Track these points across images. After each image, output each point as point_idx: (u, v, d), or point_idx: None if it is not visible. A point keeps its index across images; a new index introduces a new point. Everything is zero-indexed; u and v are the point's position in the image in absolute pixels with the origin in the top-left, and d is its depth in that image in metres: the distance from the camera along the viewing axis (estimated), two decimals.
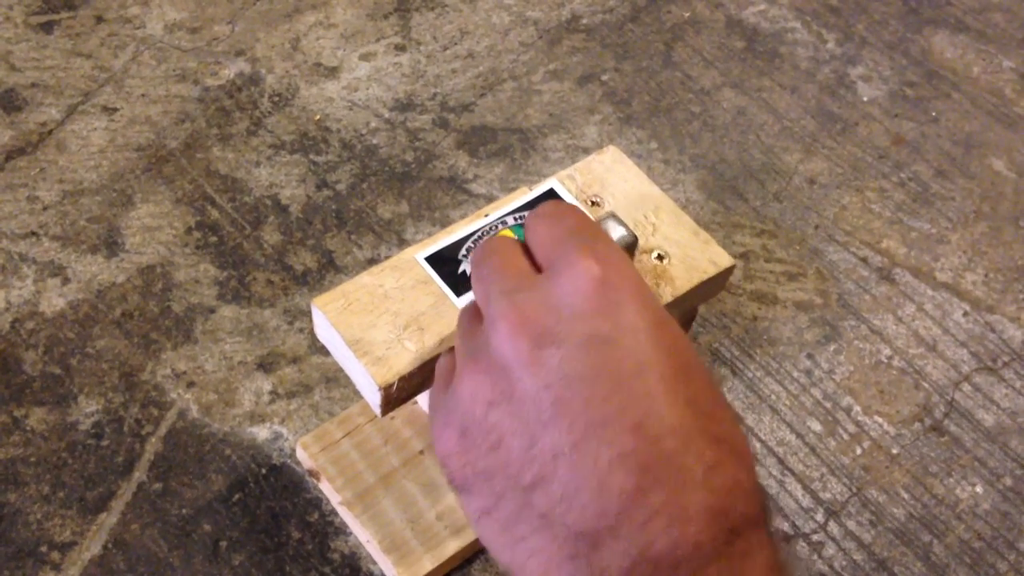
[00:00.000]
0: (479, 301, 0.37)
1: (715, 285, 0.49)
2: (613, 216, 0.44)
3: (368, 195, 0.67)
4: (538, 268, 0.37)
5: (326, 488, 0.52)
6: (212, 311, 0.60)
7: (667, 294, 0.47)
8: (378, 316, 0.45)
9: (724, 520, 0.30)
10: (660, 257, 0.48)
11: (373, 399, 0.43)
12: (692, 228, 0.50)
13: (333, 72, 0.73)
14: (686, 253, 0.48)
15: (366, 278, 0.46)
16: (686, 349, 0.34)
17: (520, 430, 0.32)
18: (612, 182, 0.51)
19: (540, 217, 0.38)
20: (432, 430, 0.36)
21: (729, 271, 0.49)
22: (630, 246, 0.44)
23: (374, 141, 0.70)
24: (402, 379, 0.43)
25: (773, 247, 0.66)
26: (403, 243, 0.64)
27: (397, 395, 0.44)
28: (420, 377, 0.44)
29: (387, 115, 0.71)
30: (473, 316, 0.38)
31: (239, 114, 0.70)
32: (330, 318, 0.44)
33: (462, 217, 0.66)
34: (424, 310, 0.45)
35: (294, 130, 0.70)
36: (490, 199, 0.67)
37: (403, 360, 0.43)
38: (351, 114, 0.71)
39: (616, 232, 0.43)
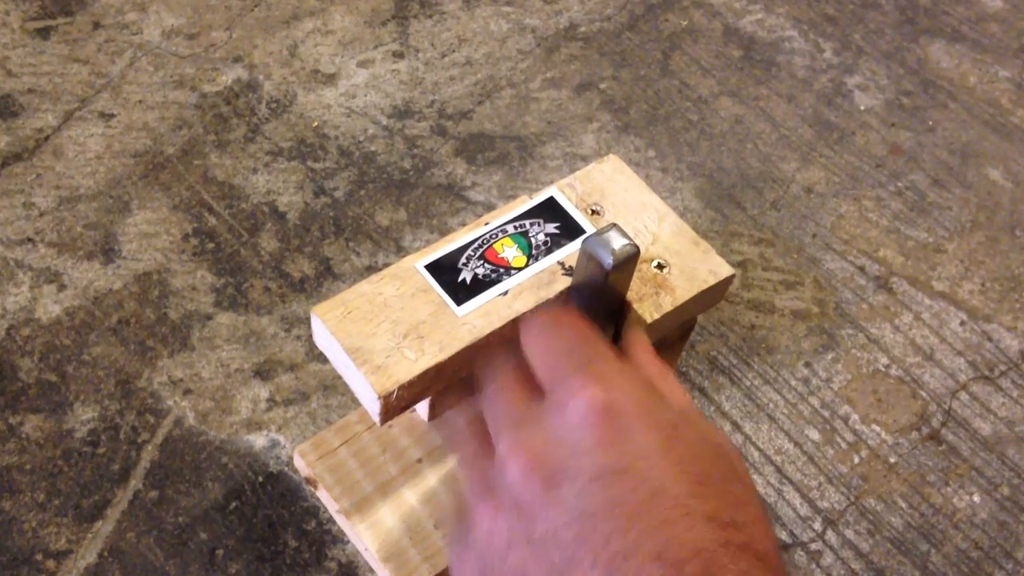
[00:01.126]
0: (488, 424, 0.37)
1: (715, 295, 0.49)
2: (615, 227, 0.44)
3: (366, 202, 0.67)
4: (539, 383, 0.37)
5: (324, 496, 0.51)
6: (209, 318, 0.60)
7: (667, 304, 0.47)
8: (378, 325, 0.44)
9: None
10: (660, 267, 0.48)
11: (372, 408, 0.43)
12: (692, 238, 0.50)
13: (331, 79, 0.73)
14: (686, 263, 0.48)
15: (366, 286, 0.46)
16: (702, 452, 0.34)
17: (545, 570, 0.32)
18: (612, 191, 0.51)
19: (536, 330, 0.39)
20: (451, 565, 0.36)
21: (729, 281, 0.49)
22: (632, 257, 0.44)
23: (372, 148, 0.70)
24: (402, 388, 0.43)
25: (771, 256, 0.66)
26: (401, 250, 0.64)
27: (396, 404, 0.43)
28: (420, 386, 0.44)
29: (385, 122, 0.71)
30: (479, 436, 0.38)
31: (236, 121, 0.70)
32: (329, 327, 0.44)
33: (460, 224, 0.66)
34: (424, 318, 0.45)
35: (292, 137, 0.70)
36: (488, 206, 0.67)
37: (403, 369, 0.43)
38: (349, 121, 0.71)
39: (618, 243, 0.43)
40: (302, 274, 0.63)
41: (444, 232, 0.66)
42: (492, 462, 0.36)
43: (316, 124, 0.71)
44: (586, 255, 0.45)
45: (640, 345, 0.43)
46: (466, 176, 0.69)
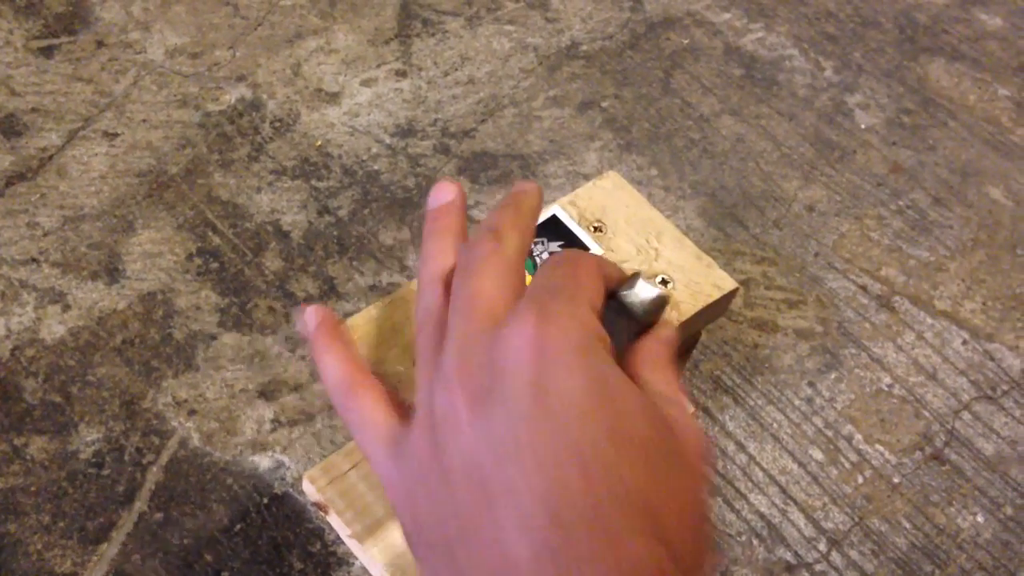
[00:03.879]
0: (448, 325, 0.36)
1: (719, 308, 0.50)
2: (640, 276, 0.44)
3: (369, 221, 0.67)
4: None
5: (335, 521, 0.51)
6: (213, 338, 0.60)
7: (673, 318, 0.47)
8: (388, 349, 0.45)
9: None
10: (664, 282, 0.49)
11: None
12: (695, 252, 0.50)
13: (334, 98, 0.74)
14: (690, 278, 0.49)
15: (373, 311, 0.46)
16: (625, 410, 0.33)
17: (449, 494, 0.32)
18: (613, 207, 0.52)
19: (545, 263, 0.38)
20: (394, 498, 0.36)
21: (732, 294, 0.49)
22: (659, 306, 0.44)
23: (375, 167, 0.70)
24: None
25: (773, 274, 0.67)
26: (404, 269, 0.65)
27: None
28: None
29: (388, 141, 0.71)
30: (436, 335, 0.37)
31: (240, 140, 0.70)
32: None
33: None
34: None
35: (295, 156, 0.70)
36: None
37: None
38: (352, 140, 0.71)
39: (648, 292, 0.42)
40: (306, 293, 0.63)
41: None
42: (435, 369, 0.35)
43: (319, 143, 0.71)
44: (614, 311, 0.45)
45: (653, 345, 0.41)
46: (469, 195, 0.69)
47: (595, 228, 0.51)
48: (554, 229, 0.50)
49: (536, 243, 0.50)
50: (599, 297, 0.38)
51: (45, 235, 0.63)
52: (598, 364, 0.34)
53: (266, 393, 0.58)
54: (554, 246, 0.50)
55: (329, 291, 0.63)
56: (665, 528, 0.31)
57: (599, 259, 0.42)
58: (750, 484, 0.57)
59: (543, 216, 0.51)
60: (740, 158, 0.73)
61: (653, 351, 0.41)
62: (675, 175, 0.72)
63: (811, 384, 0.62)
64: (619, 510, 0.30)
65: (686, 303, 0.48)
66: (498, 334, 0.34)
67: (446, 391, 0.33)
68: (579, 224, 0.51)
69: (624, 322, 0.45)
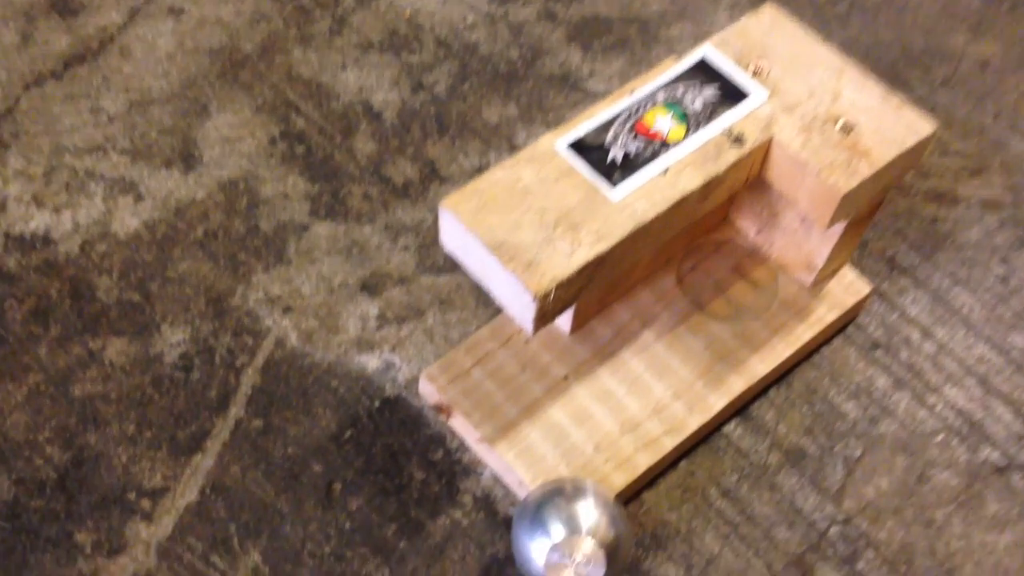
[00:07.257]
0: None
1: (913, 158, 0.41)
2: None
3: (470, 97, 0.59)
4: None
5: (459, 424, 0.44)
6: (305, 228, 0.53)
7: (864, 169, 0.39)
8: (521, 215, 0.37)
9: None
10: (846, 128, 0.40)
11: (525, 314, 0.36)
12: (880, 92, 0.41)
13: None
14: (878, 122, 0.40)
15: (499, 172, 0.38)
16: None
17: None
18: (775, 46, 0.43)
19: None
20: None
21: (930, 139, 0.41)
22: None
23: (473, 38, 0.61)
24: (560, 286, 0.35)
25: (947, 139, 0.57)
26: (515, 148, 0.56)
27: (553, 306, 0.36)
28: (578, 284, 0.36)
29: (486, 8, 0.63)
30: None
31: (320, 12, 0.62)
32: (464, 221, 0.36)
33: None
34: (574, 205, 0.38)
35: (382, 28, 0.61)
36: None
37: (558, 264, 0.35)
38: (445, 8, 0.63)
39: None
40: (405, 178, 0.55)
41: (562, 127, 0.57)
42: None
43: (408, 13, 0.62)
44: None
45: None
46: (582, 65, 0.60)
47: (755, 72, 0.42)
48: (706, 73, 0.42)
49: (689, 87, 0.41)
50: None
51: (111, 121, 0.56)
52: None
53: (368, 287, 0.51)
54: (709, 90, 0.41)
55: (430, 174, 0.55)
56: None
57: None
58: (942, 376, 0.48)
59: (692, 58, 0.42)
60: (896, 11, 0.63)
61: None
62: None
63: (1004, 261, 0.52)
64: None
65: (877, 151, 0.40)
66: None
67: None
68: (737, 65, 0.42)
69: None
